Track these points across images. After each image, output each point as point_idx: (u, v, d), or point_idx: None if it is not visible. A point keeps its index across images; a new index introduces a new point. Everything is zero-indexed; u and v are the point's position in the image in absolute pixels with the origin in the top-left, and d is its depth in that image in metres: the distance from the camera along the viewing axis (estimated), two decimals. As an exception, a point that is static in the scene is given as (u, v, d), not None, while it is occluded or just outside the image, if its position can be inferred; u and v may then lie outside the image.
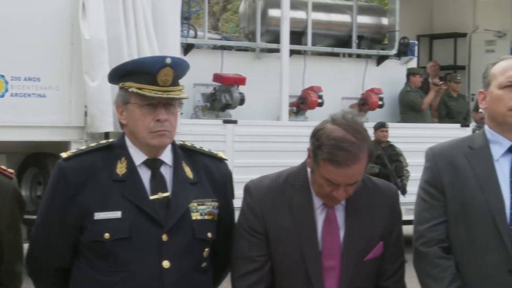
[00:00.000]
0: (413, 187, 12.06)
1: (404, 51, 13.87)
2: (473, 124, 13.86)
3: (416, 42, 14.60)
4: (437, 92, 13.69)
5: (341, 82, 13.01)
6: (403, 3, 14.00)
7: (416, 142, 12.10)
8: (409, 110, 13.43)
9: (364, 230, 3.25)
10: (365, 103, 12.91)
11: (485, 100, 3.39)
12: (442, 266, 3.30)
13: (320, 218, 3.26)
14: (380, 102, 13.05)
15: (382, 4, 17.09)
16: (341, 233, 3.25)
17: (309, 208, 3.25)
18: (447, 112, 14.04)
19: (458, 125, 13.25)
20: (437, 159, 3.39)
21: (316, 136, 3.17)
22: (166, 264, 3.19)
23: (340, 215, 3.27)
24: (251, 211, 3.29)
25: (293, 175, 3.32)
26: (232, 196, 3.47)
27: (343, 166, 3.08)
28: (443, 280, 3.28)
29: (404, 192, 11.57)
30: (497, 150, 3.35)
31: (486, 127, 3.43)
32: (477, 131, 13.02)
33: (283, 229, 3.24)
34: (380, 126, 12.19)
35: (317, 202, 3.26)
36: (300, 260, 3.21)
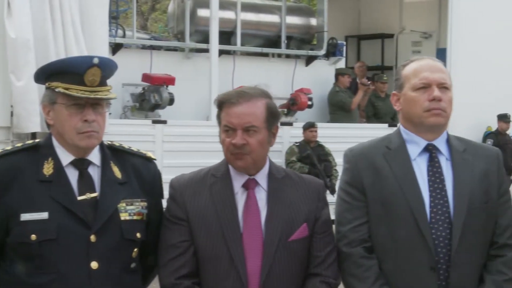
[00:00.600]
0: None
1: (332, 51, 13.97)
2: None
3: (344, 42, 14.71)
4: (365, 92, 13.82)
5: (271, 82, 12.89)
6: (331, 4, 14.10)
7: (345, 142, 12.16)
8: (339, 110, 13.52)
9: (286, 211, 3.32)
10: (294, 103, 12.97)
11: (399, 102, 3.45)
12: (365, 265, 3.35)
13: (240, 202, 3.33)
14: (309, 102, 13.12)
15: (311, 4, 17.20)
16: (263, 215, 3.31)
17: (229, 193, 3.33)
18: (374, 112, 14.18)
19: (385, 125, 13.38)
20: (357, 160, 3.43)
21: None
22: (94, 265, 3.16)
23: (261, 198, 3.35)
24: (173, 200, 3.37)
25: (214, 168, 3.44)
26: (161, 196, 3.46)
27: (234, 102, 3.28)
28: (367, 280, 3.33)
29: (333, 191, 11.65)
30: (414, 150, 3.42)
31: (401, 127, 3.48)
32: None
33: (205, 213, 3.31)
34: (309, 126, 12.26)
35: (236, 186, 3.34)
36: (222, 242, 3.28)
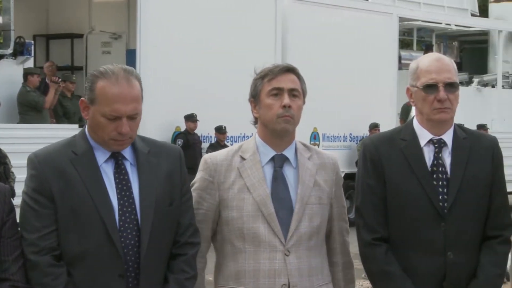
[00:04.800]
0: (21, 189, 11.95)
1: (20, 50, 13.63)
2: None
3: (32, 42, 14.42)
4: (56, 90, 13.67)
5: None
6: (18, 2, 13.73)
7: (35, 143, 11.93)
8: (30, 111, 13.24)
9: None
10: (-19, 104, 12.53)
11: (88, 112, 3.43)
12: (54, 274, 3.31)
13: None
14: (-4, 103, 12.73)
15: (-3, 2, 16.66)
16: None
17: None
18: (64, 112, 14.07)
19: (76, 125, 13.31)
20: (43, 167, 3.36)
21: None
22: None
23: None
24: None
25: None
26: None
27: None
28: None
29: (13, 194, 11.38)
30: (100, 156, 3.41)
31: (86, 133, 3.45)
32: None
33: None
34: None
35: None
36: None
